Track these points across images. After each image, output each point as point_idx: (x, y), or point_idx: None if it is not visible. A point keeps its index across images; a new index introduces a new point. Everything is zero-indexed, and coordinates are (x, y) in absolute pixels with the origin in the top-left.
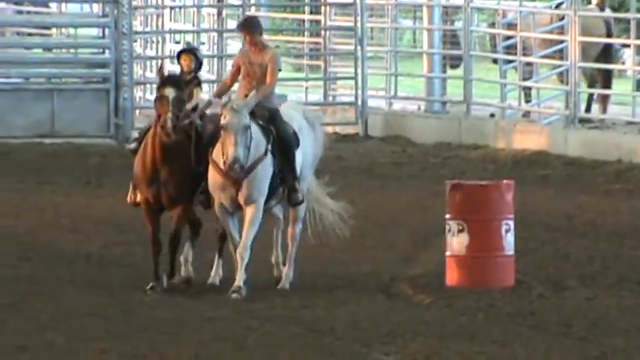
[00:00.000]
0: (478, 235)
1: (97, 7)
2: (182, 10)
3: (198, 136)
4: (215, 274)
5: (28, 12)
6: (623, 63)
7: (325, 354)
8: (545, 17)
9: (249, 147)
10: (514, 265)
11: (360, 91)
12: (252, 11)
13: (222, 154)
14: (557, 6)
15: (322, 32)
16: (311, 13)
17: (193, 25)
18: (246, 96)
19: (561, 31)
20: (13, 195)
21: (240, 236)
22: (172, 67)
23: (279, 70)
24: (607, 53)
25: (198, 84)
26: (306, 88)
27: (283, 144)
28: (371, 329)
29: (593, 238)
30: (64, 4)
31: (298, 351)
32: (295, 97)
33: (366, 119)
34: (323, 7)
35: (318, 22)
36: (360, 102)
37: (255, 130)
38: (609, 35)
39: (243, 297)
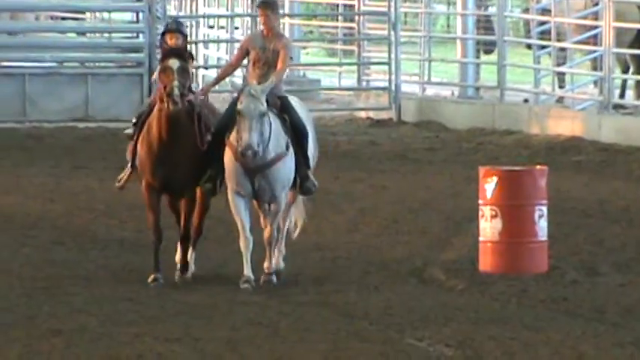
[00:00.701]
0: (511, 220)
1: None
2: None
3: (198, 116)
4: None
5: None
6: None
7: (358, 339)
8: (580, 3)
9: (269, 136)
10: (547, 251)
11: (393, 76)
12: None
13: (238, 140)
14: None
15: (356, 17)
16: None
17: (227, 9)
18: (258, 77)
19: (595, 16)
20: (47, 179)
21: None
22: (206, 52)
23: (291, 58)
24: None
25: (190, 56)
26: (340, 73)
27: (297, 132)
28: (404, 314)
29: (627, 225)
30: None
31: (331, 336)
32: (329, 81)
33: (400, 104)
34: None
35: (351, 7)
36: (393, 87)
37: (275, 123)
38: None
39: (275, 283)
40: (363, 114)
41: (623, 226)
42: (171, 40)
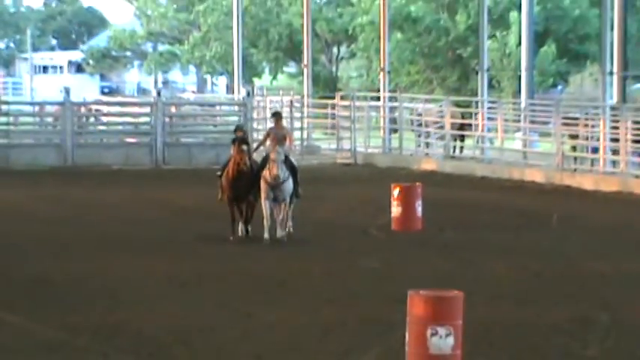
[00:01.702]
0: (405, 207)
1: (236, 107)
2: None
3: (251, 167)
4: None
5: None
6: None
7: (333, 261)
8: (434, 110)
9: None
10: (422, 220)
11: (353, 144)
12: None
13: (269, 173)
14: (440, 105)
15: (336, 118)
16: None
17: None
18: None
19: (442, 115)
20: (202, 191)
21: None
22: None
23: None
24: (463, 126)
25: (246, 143)
26: (329, 142)
27: (293, 169)
28: (358, 249)
29: (455, 209)
30: (221, 107)
31: (320, 260)
32: (325, 145)
33: (356, 157)
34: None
35: (334, 113)
36: (353, 149)
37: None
38: (463, 118)
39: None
40: (340, 161)
41: (456, 209)
42: (239, 133)
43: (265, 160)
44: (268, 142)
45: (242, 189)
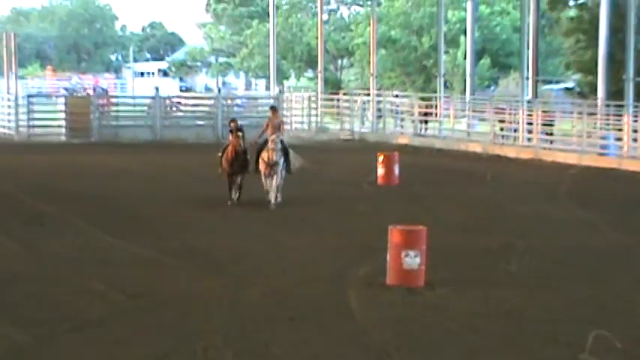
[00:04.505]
0: (387, 169)
1: (272, 100)
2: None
3: (245, 151)
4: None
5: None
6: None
7: (338, 205)
8: (419, 104)
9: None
10: (399, 177)
11: (352, 126)
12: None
13: (266, 157)
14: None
15: (338, 106)
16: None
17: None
18: (273, 133)
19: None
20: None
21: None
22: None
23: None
24: (427, 113)
25: (241, 130)
26: (335, 124)
27: (285, 150)
28: (356, 198)
29: (434, 171)
30: (261, 100)
31: (328, 203)
32: (332, 127)
33: (354, 135)
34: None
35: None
36: (352, 129)
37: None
38: (426, 108)
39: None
40: (342, 137)
41: (421, 171)
42: (233, 123)
43: (265, 143)
44: (268, 130)
45: (237, 166)
